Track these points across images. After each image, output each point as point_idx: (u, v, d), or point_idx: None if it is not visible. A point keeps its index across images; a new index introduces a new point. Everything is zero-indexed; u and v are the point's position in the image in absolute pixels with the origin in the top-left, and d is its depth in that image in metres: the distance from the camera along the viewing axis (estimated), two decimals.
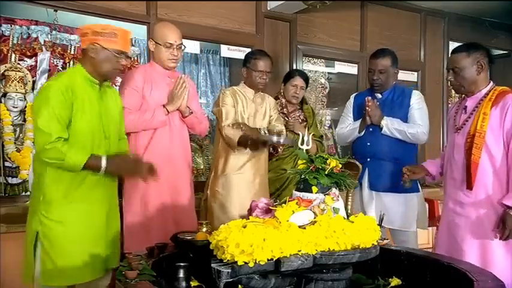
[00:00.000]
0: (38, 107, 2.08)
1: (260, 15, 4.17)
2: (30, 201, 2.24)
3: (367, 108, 2.96)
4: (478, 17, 5.34)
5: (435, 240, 3.13)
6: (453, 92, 5.01)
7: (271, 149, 3.12)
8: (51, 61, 3.56)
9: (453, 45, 4.22)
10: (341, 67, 4.79)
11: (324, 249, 1.54)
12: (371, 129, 3.03)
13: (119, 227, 2.43)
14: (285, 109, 3.40)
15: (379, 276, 1.84)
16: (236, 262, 1.42)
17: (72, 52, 3.61)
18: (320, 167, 1.73)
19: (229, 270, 1.43)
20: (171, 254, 1.94)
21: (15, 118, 3.38)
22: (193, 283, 1.73)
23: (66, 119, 2.11)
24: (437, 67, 5.22)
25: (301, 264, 1.48)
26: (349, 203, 2.80)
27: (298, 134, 1.99)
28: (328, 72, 5.06)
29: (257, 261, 1.43)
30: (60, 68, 3.56)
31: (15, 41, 3.45)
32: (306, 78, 3.42)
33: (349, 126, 3.16)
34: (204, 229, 2.03)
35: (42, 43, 3.52)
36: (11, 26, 3.46)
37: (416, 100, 3.07)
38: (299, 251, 1.49)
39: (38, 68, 3.51)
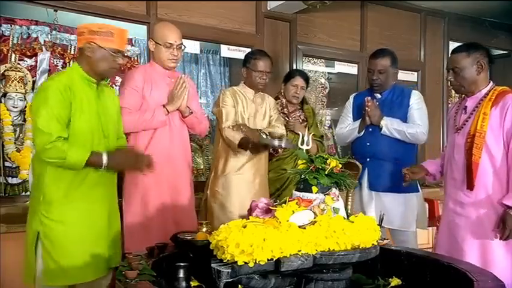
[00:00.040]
0: (37, 107, 2.08)
1: (260, 15, 4.17)
2: (30, 202, 2.24)
3: (366, 108, 2.96)
4: (478, 17, 5.34)
5: (435, 240, 3.12)
6: (453, 92, 5.01)
7: (271, 149, 3.12)
8: (51, 61, 3.56)
9: (453, 45, 4.22)
10: (341, 67, 4.79)
11: (324, 249, 1.54)
12: (370, 129, 3.03)
13: (119, 227, 2.43)
14: (285, 109, 3.40)
15: (379, 276, 1.84)
16: (236, 262, 1.42)
17: (72, 52, 3.61)
18: (320, 167, 1.73)
19: (229, 270, 1.43)
20: (171, 254, 1.94)
21: (15, 118, 3.38)
22: (193, 283, 1.73)
23: (65, 119, 2.11)
24: (437, 67, 5.22)
25: (301, 264, 1.48)
26: (349, 203, 2.80)
27: (299, 134, 1.99)
28: (328, 72, 5.07)
29: (257, 261, 1.43)
30: (60, 68, 3.56)
31: (15, 41, 3.46)
32: (306, 78, 3.42)
33: (348, 127, 3.16)
34: (204, 229, 2.03)
35: (42, 43, 3.53)
36: (11, 26, 3.46)
37: (416, 100, 3.07)
38: (299, 251, 1.49)
39: (38, 68, 3.52)
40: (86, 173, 2.18)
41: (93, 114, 2.21)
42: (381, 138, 3.00)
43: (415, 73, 5.11)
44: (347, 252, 1.56)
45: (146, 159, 2.36)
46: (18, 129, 3.39)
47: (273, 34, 4.29)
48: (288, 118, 3.37)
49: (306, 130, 3.02)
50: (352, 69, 4.78)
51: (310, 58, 4.79)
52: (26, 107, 3.41)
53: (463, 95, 2.51)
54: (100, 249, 2.22)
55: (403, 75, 4.91)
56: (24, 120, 3.40)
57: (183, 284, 1.80)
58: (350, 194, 2.75)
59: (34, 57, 3.52)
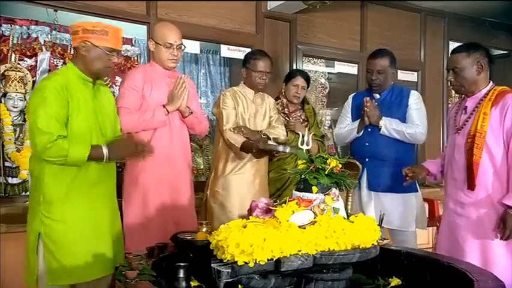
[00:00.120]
0: (35, 107, 2.07)
1: (260, 15, 4.17)
2: (30, 203, 2.23)
3: (365, 108, 2.96)
4: (478, 17, 5.34)
5: (436, 241, 3.12)
6: (453, 92, 5.01)
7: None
8: (51, 61, 3.56)
9: (453, 45, 4.22)
10: (341, 67, 4.79)
11: (324, 249, 1.53)
12: (369, 129, 3.03)
13: (120, 225, 2.44)
14: (286, 109, 3.40)
15: (379, 276, 1.84)
16: (236, 262, 1.42)
17: (72, 52, 3.60)
18: (320, 167, 1.73)
19: (229, 270, 1.43)
20: (171, 254, 1.94)
21: (15, 118, 3.38)
22: (193, 283, 1.73)
23: (64, 118, 2.11)
24: (437, 67, 5.22)
25: (301, 264, 1.48)
26: (349, 203, 2.80)
27: (299, 134, 1.99)
28: (328, 72, 5.07)
29: (257, 261, 1.43)
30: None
31: (15, 41, 3.46)
32: (307, 78, 3.42)
33: (347, 127, 3.16)
34: (204, 229, 2.03)
35: (42, 43, 3.53)
36: (11, 26, 3.46)
37: (415, 100, 3.07)
38: (299, 251, 1.49)
39: (38, 68, 3.52)
40: (85, 171, 2.18)
41: (90, 113, 2.21)
42: (380, 138, 3.00)
43: (415, 73, 5.11)
44: (347, 252, 1.56)
45: (144, 144, 2.36)
46: (18, 129, 3.39)
47: (273, 34, 4.29)
48: (289, 118, 3.36)
49: (306, 130, 3.02)
50: (352, 69, 4.78)
51: (310, 58, 4.79)
52: (26, 107, 3.41)
53: (463, 95, 2.50)
54: (103, 247, 2.22)
55: (403, 75, 4.92)
56: (24, 120, 3.40)
57: (183, 284, 1.80)
58: (350, 194, 2.75)
59: (34, 57, 3.53)
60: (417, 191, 3.09)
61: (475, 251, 2.31)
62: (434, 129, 5.03)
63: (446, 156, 2.57)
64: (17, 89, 3.37)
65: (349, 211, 1.91)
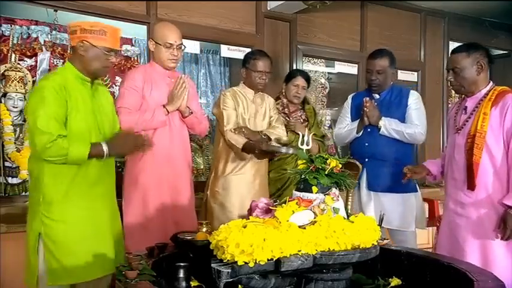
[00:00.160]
0: (34, 108, 2.07)
1: (260, 15, 4.17)
2: (29, 203, 2.23)
3: (365, 108, 2.96)
4: (478, 17, 5.34)
5: (436, 241, 3.12)
6: (453, 92, 5.02)
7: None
8: (51, 61, 3.56)
9: (453, 45, 4.22)
10: (341, 67, 4.79)
11: (324, 249, 1.53)
12: (369, 129, 3.03)
13: (120, 225, 2.44)
14: (286, 109, 3.40)
15: (379, 276, 1.84)
16: (236, 262, 1.42)
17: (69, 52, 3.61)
18: (320, 167, 1.73)
19: (229, 270, 1.43)
20: (171, 254, 1.94)
21: (15, 118, 3.38)
22: (193, 283, 1.73)
23: (63, 117, 2.11)
24: (437, 67, 5.22)
25: (301, 264, 1.48)
26: (349, 203, 2.80)
27: (299, 134, 1.99)
28: (328, 72, 5.07)
29: (257, 261, 1.43)
30: None
31: (15, 41, 3.46)
32: (307, 78, 3.42)
33: (347, 127, 3.16)
34: (204, 229, 2.03)
35: (42, 43, 3.53)
36: (11, 26, 3.46)
37: (414, 100, 3.08)
38: (299, 251, 1.49)
39: (38, 68, 3.52)
40: (85, 171, 2.18)
41: (88, 113, 2.21)
42: (380, 138, 3.00)
43: (415, 73, 5.11)
44: (347, 252, 1.56)
45: (143, 138, 2.35)
46: (18, 129, 3.39)
47: (273, 34, 4.29)
48: (289, 118, 3.36)
49: (306, 130, 3.02)
50: (352, 69, 4.78)
51: (310, 58, 4.79)
52: (25, 107, 3.41)
53: (463, 95, 2.51)
54: (104, 246, 2.22)
55: (403, 75, 4.92)
56: (24, 120, 3.40)
57: (183, 284, 1.80)
58: (350, 194, 2.75)
59: (34, 57, 3.53)
60: (417, 191, 3.09)
61: (475, 251, 2.31)
62: (434, 129, 5.04)
63: (447, 156, 2.57)
64: (17, 89, 3.37)
65: (349, 211, 1.91)
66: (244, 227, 1.51)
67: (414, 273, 1.85)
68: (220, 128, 3.01)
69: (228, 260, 1.45)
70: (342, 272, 1.64)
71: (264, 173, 3.11)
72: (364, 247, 1.59)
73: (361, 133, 3.06)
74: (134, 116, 2.59)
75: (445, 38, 5.30)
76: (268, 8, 4.19)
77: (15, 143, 3.37)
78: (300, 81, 3.36)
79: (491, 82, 2.42)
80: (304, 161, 1.80)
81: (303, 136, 1.93)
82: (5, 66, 3.38)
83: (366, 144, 3.05)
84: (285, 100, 3.42)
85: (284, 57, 4.36)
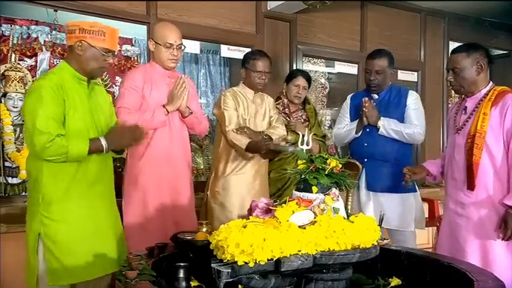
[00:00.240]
0: (32, 108, 2.06)
1: (260, 15, 4.17)
2: (28, 203, 2.22)
3: (364, 109, 2.96)
4: (478, 17, 5.34)
5: (436, 241, 3.13)
6: (453, 92, 5.01)
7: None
8: (51, 61, 3.56)
9: (453, 45, 4.22)
10: (341, 67, 4.79)
11: (324, 249, 1.53)
12: (368, 129, 3.03)
13: (121, 224, 2.44)
14: (286, 109, 3.40)
15: (379, 276, 1.84)
16: (236, 262, 1.42)
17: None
18: (320, 167, 1.73)
19: (229, 270, 1.43)
20: (171, 254, 1.94)
21: (15, 118, 3.38)
22: (193, 283, 1.73)
23: (61, 116, 2.10)
24: (437, 67, 5.22)
25: (301, 264, 1.48)
26: (349, 203, 2.80)
27: (299, 134, 1.99)
28: (328, 72, 5.07)
29: (257, 261, 1.43)
30: None
31: (15, 41, 3.46)
32: (308, 78, 3.42)
33: (346, 127, 3.16)
34: (204, 229, 2.03)
35: (42, 43, 3.53)
36: (11, 26, 3.46)
37: (413, 100, 3.08)
38: (299, 251, 1.49)
39: (38, 68, 3.52)
40: (84, 170, 2.18)
41: (86, 112, 2.21)
42: (379, 138, 3.00)
43: (415, 73, 5.11)
44: (347, 252, 1.56)
45: (140, 130, 2.32)
46: (18, 129, 3.38)
47: (273, 34, 4.29)
48: (290, 118, 3.37)
49: (307, 130, 3.02)
50: (352, 69, 4.78)
51: (310, 58, 4.79)
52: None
53: (463, 96, 2.51)
54: (104, 245, 2.22)
55: (403, 75, 4.93)
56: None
57: (183, 284, 1.80)
58: (350, 194, 2.75)
59: (34, 57, 3.53)
60: (416, 191, 3.09)
61: (476, 251, 2.31)
62: (434, 129, 5.04)
63: (447, 157, 2.57)
64: (17, 89, 3.37)
65: (349, 211, 1.91)
66: (244, 227, 1.51)
67: (414, 273, 1.85)
68: (222, 128, 3.00)
69: (228, 260, 1.45)
70: (342, 272, 1.64)
71: (264, 173, 3.11)
72: (364, 247, 1.60)
73: (360, 133, 3.06)
74: (134, 116, 2.59)
75: (445, 38, 5.30)
76: (268, 8, 4.19)
77: (15, 143, 3.37)
78: (300, 81, 3.36)
79: (491, 82, 2.42)
80: (304, 161, 1.80)
81: (303, 136, 1.93)
82: (5, 66, 3.38)
83: (365, 144, 3.05)
84: (285, 100, 3.42)
85: (284, 57, 4.36)
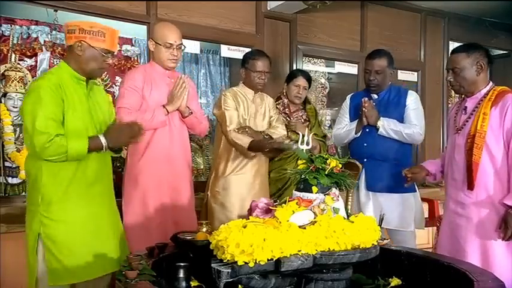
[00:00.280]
0: (32, 108, 2.06)
1: (260, 15, 4.17)
2: (28, 203, 2.22)
3: (363, 109, 2.96)
4: (478, 17, 5.34)
5: (436, 241, 3.12)
6: (453, 92, 5.01)
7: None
8: (51, 61, 3.56)
9: (453, 45, 4.23)
10: (341, 67, 4.79)
11: (324, 249, 1.53)
12: (367, 129, 3.03)
13: (121, 224, 2.44)
14: (287, 109, 3.40)
15: (379, 276, 1.84)
16: (236, 262, 1.42)
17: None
18: (320, 167, 1.73)
19: (229, 270, 1.43)
20: (171, 254, 1.94)
21: (15, 118, 3.38)
22: (193, 283, 1.73)
23: (60, 116, 2.10)
24: (437, 67, 5.23)
25: (301, 264, 1.48)
26: (349, 203, 2.80)
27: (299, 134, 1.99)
28: (328, 72, 5.07)
29: (257, 261, 1.43)
30: None
31: (15, 41, 3.46)
32: (308, 78, 3.42)
33: (345, 127, 3.16)
34: (204, 229, 2.03)
35: (42, 43, 3.53)
36: (11, 26, 3.46)
37: (412, 100, 3.08)
38: (299, 251, 1.49)
39: (38, 68, 3.52)
40: (83, 170, 2.18)
41: (85, 112, 2.21)
42: (378, 138, 3.00)
43: (415, 73, 5.11)
44: (347, 252, 1.56)
45: (139, 126, 2.31)
46: (18, 129, 3.38)
47: (273, 34, 4.29)
48: (290, 118, 3.37)
49: (306, 130, 3.02)
50: (352, 69, 4.78)
51: (310, 58, 4.79)
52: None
53: (463, 96, 2.51)
54: (104, 245, 2.22)
55: (403, 75, 4.93)
56: None
57: (183, 284, 1.80)
58: (350, 194, 2.74)
59: (34, 57, 3.53)
60: (415, 191, 3.09)
61: (476, 251, 2.31)
62: (434, 129, 5.04)
63: (447, 157, 2.57)
64: (17, 89, 3.37)
65: (349, 211, 1.91)
66: (244, 227, 1.51)
67: (414, 273, 1.85)
68: (222, 128, 3.00)
69: (228, 260, 1.45)
70: (342, 272, 1.64)
71: (264, 173, 3.11)
72: (364, 247, 1.60)
73: (359, 133, 3.06)
74: (134, 116, 2.58)
75: (445, 38, 5.30)
76: (268, 8, 4.19)
77: (15, 143, 3.37)
78: (301, 81, 3.36)
79: (490, 82, 2.42)
80: (304, 161, 1.80)
81: (303, 136, 1.93)
82: (5, 66, 3.38)
83: (365, 144, 3.05)
84: (286, 100, 3.42)
85: (284, 57, 4.36)
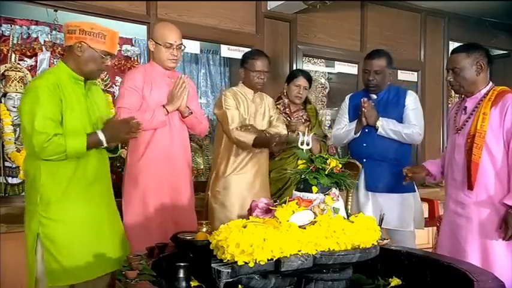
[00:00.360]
0: (30, 108, 2.06)
1: (260, 15, 4.17)
2: (26, 203, 2.22)
3: (363, 109, 2.96)
4: (478, 17, 5.34)
5: (436, 241, 3.12)
6: (453, 92, 5.01)
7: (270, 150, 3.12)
8: (51, 61, 3.56)
9: (453, 45, 4.23)
10: (341, 67, 4.79)
11: (324, 249, 1.54)
12: (367, 130, 3.03)
13: (121, 223, 2.44)
14: (287, 109, 3.40)
15: (379, 276, 1.84)
16: (236, 262, 1.42)
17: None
18: (320, 167, 1.73)
19: (229, 270, 1.43)
20: (171, 254, 1.94)
21: (15, 118, 3.38)
22: (193, 283, 1.73)
23: (58, 116, 2.10)
24: (437, 67, 5.22)
25: (301, 264, 1.48)
26: (349, 203, 2.80)
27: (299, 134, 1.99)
28: (328, 72, 5.07)
29: (257, 261, 1.43)
30: None
31: (15, 41, 3.46)
32: (309, 78, 3.42)
33: (345, 128, 3.16)
34: (204, 229, 2.03)
35: (42, 43, 3.53)
36: (11, 26, 3.46)
37: (411, 100, 3.08)
38: (299, 251, 1.49)
39: (38, 68, 3.52)
40: (82, 169, 2.18)
41: (83, 112, 2.21)
42: (377, 139, 3.00)
43: (415, 73, 5.11)
44: (347, 252, 1.56)
45: (135, 122, 2.30)
46: (18, 129, 3.38)
47: (273, 34, 4.29)
48: (291, 118, 3.37)
49: (306, 130, 3.02)
50: (352, 69, 4.78)
51: (310, 58, 4.79)
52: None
53: (463, 96, 2.51)
54: (104, 245, 2.22)
55: (403, 75, 4.93)
56: None
57: (183, 284, 1.80)
58: (350, 194, 2.75)
59: (34, 57, 3.53)
60: (415, 191, 3.09)
61: (476, 251, 2.31)
62: (434, 129, 5.04)
63: (447, 157, 2.57)
64: (17, 89, 3.37)
65: (349, 211, 1.91)
66: (244, 227, 1.51)
67: (414, 273, 1.85)
68: (224, 128, 3.00)
69: (228, 260, 1.45)
70: (342, 272, 1.64)
71: (265, 172, 3.11)
72: (364, 247, 1.60)
73: (359, 134, 3.06)
74: (134, 116, 2.58)
75: (445, 38, 5.30)
76: (268, 8, 4.19)
77: (15, 143, 3.37)
78: (301, 81, 3.36)
79: (490, 82, 2.42)
80: (304, 161, 1.80)
81: (303, 136, 1.93)
82: (5, 66, 3.38)
83: (364, 144, 3.05)
84: (286, 100, 3.42)
85: (284, 57, 4.36)
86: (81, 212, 2.18)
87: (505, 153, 2.28)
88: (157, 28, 2.82)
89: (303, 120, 3.41)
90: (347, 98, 3.29)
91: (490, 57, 2.41)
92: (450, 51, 2.57)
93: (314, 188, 1.70)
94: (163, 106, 2.67)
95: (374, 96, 3.11)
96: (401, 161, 2.96)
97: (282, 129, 3.12)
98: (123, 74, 3.49)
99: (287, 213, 1.59)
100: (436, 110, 5.15)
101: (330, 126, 4.91)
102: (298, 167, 1.81)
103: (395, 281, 1.80)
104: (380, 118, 2.97)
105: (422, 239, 3.98)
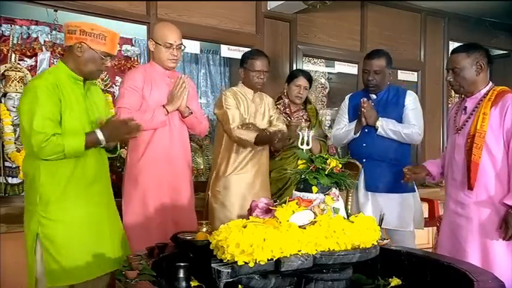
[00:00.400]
0: (29, 108, 2.06)
1: (260, 15, 4.17)
2: (26, 203, 2.22)
3: (362, 109, 2.96)
4: (478, 17, 5.34)
5: (436, 241, 3.12)
6: (453, 92, 5.01)
7: (272, 148, 3.13)
8: (51, 61, 3.56)
9: (453, 45, 4.22)
10: (341, 67, 4.79)
11: (324, 249, 1.54)
12: (366, 130, 3.03)
13: (121, 223, 2.44)
14: (287, 109, 3.40)
15: (379, 276, 1.84)
16: (236, 262, 1.42)
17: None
18: (320, 167, 1.73)
19: (229, 270, 1.43)
20: (171, 254, 1.94)
21: (15, 118, 3.38)
22: (193, 283, 1.73)
23: (57, 116, 2.10)
24: (437, 67, 5.22)
25: (301, 264, 1.48)
26: (349, 203, 2.80)
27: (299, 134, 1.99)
28: (328, 72, 5.07)
29: (257, 261, 1.43)
30: None
31: (15, 41, 3.46)
32: (309, 78, 3.42)
33: (344, 128, 3.16)
34: (204, 229, 2.03)
35: (42, 43, 3.53)
36: (11, 26, 3.46)
37: (411, 100, 3.08)
38: (299, 251, 1.49)
39: (38, 68, 3.52)
40: (82, 169, 2.18)
41: (82, 112, 2.21)
42: (377, 139, 3.00)
43: (415, 73, 5.11)
44: (347, 252, 1.56)
45: (134, 123, 2.30)
46: (18, 129, 3.38)
47: (273, 34, 4.29)
48: (291, 118, 3.37)
49: (306, 130, 3.02)
50: (352, 69, 4.78)
51: (310, 58, 4.79)
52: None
53: (463, 96, 2.51)
54: (103, 245, 2.22)
55: (403, 75, 4.93)
56: None
57: (183, 284, 1.80)
58: (350, 194, 2.75)
59: (34, 57, 3.53)
60: (414, 191, 3.09)
61: (476, 251, 2.31)
62: (434, 129, 5.04)
63: (447, 157, 2.57)
64: (17, 89, 3.37)
65: (349, 211, 1.91)
66: (244, 227, 1.51)
67: (414, 273, 1.85)
68: (225, 127, 3.00)
69: (228, 260, 1.45)
70: (342, 272, 1.64)
71: (265, 172, 3.11)
72: (364, 247, 1.60)
73: (358, 134, 3.06)
74: (134, 116, 2.58)
75: (445, 38, 5.30)
76: (268, 8, 4.19)
77: (15, 143, 3.37)
78: (302, 81, 3.36)
79: (490, 82, 2.42)
80: (304, 161, 1.80)
81: (303, 136, 1.93)
82: (5, 66, 3.38)
83: (364, 144, 3.05)
84: (286, 100, 3.42)
85: (284, 57, 4.36)
86: (80, 212, 2.18)
87: (505, 153, 2.28)
88: (157, 28, 2.82)
89: (303, 120, 3.41)
90: (347, 98, 3.29)
91: (490, 57, 2.41)
92: (450, 51, 2.57)
93: (314, 188, 1.70)
94: (163, 106, 2.66)
95: (374, 96, 3.11)
96: (401, 161, 2.96)
97: (282, 129, 3.12)
98: (123, 74, 3.49)
99: (287, 213, 1.59)
100: (436, 110, 5.15)
101: (330, 126, 4.91)
102: (298, 167, 1.81)
103: (395, 281, 1.80)
104: (380, 118, 2.97)
105: (422, 239, 3.98)
